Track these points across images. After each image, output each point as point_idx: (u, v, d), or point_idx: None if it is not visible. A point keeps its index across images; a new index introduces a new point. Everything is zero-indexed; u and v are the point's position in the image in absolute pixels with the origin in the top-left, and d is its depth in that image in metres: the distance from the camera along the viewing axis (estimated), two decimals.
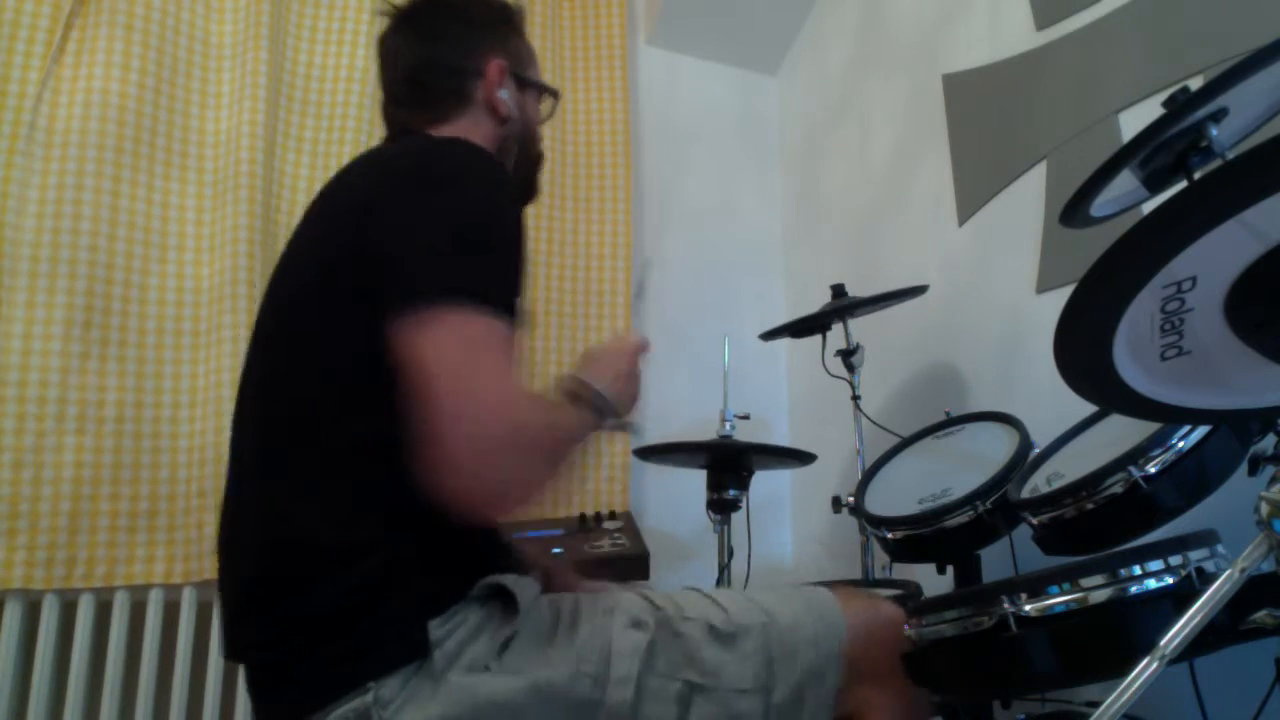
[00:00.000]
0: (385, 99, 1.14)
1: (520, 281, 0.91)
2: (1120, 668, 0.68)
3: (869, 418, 1.80)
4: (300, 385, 0.89)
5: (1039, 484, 1.07)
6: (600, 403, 0.93)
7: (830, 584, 1.05)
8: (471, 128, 1.08)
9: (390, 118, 1.14)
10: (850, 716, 0.94)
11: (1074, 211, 0.96)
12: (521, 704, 0.80)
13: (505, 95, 1.11)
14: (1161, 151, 0.85)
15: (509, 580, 0.86)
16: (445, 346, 0.79)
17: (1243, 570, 0.68)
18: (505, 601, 0.86)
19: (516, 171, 1.14)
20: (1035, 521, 1.02)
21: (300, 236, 1.00)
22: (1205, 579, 0.78)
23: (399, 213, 0.87)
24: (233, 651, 0.91)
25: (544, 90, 1.19)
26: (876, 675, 0.94)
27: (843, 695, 0.92)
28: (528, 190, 1.21)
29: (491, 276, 0.86)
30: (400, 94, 1.12)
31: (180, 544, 1.70)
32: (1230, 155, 0.84)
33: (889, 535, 1.30)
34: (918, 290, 1.69)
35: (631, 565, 1.77)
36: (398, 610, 0.82)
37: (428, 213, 0.87)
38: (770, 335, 1.86)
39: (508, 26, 1.16)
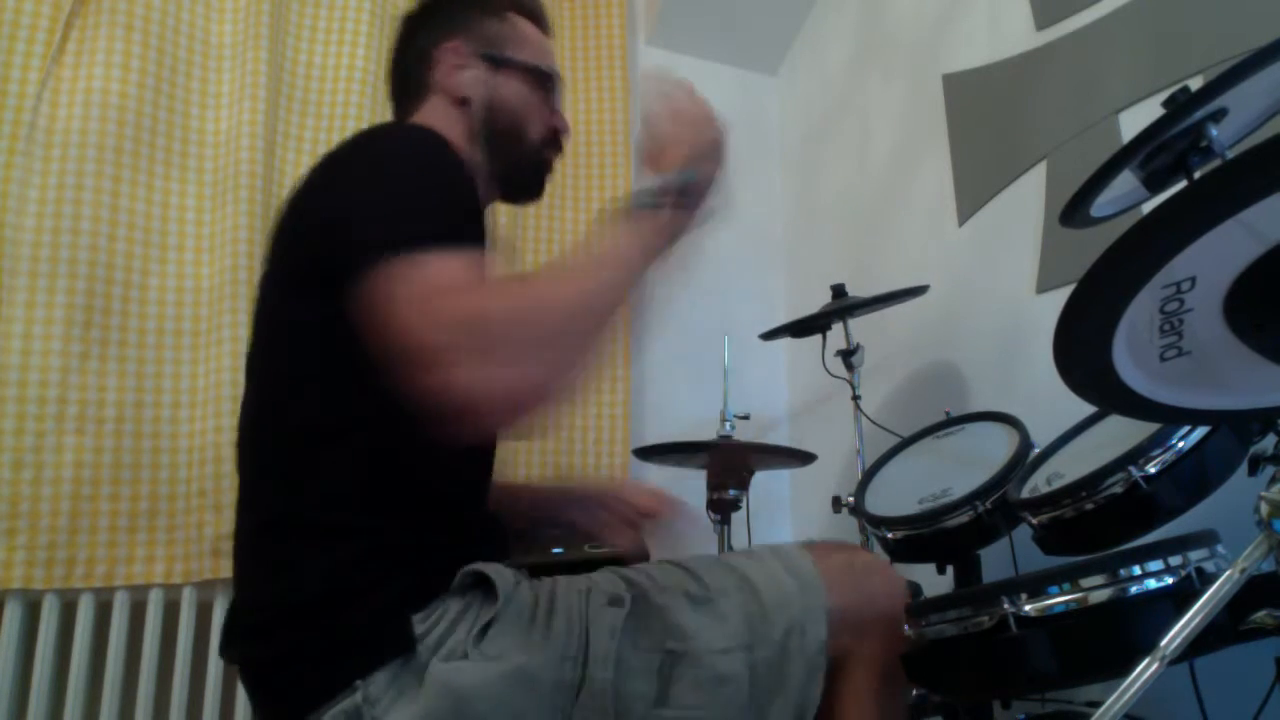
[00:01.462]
0: None
1: (470, 222, 0.88)
2: (1120, 668, 0.68)
3: (869, 418, 1.80)
4: (278, 379, 0.91)
5: (1039, 484, 1.07)
6: (670, 198, 0.85)
7: (807, 543, 1.05)
8: (432, 114, 1.07)
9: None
10: (834, 665, 0.94)
11: (1074, 212, 0.96)
12: (502, 691, 0.80)
13: (465, 76, 1.07)
14: (1162, 152, 0.85)
15: (488, 568, 0.86)
16: (406, 286, 0.74)
17: (1243, 570, 0.68)
18: (485, 589, 0.86)
19: (503, 160, 1.08)
20: (1035, 521, 1.02)
21: (269, 242, 1.01)
22: (1205, 579, 0.78)
23: (333, 194, 0.89)
24: (227, 650, 0.92)
25: (534, 70, 1.10)
26: (857, 624, 0.95)
27: (827, 646, 0.93)
28: (521, 183, 1.12)
29: (431, 218, 0.82)
30: (389, 92, 1.15)
31: (180, 544, 1.70)
32: (1230, 155, 0.84)
33: (889, 535, 1.30)
34: (918, 290, 1.69)
35: (631, 565, 1.77)
36: (380, 606, 0.82)
37: (357, 184, 0.87)
38: (770, 335, 1.86)
39: (482, 10, 1.11)
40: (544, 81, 1.11)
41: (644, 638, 0.88)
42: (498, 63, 1.08)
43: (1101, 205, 0.97)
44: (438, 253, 0.77)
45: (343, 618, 0.81)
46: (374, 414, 0.85)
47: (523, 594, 0.88)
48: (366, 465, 0.86)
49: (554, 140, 1.13)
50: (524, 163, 1.11)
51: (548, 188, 1.16)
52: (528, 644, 0.83)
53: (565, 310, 0.77)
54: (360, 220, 0.83)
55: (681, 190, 0.89)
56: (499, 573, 0.86)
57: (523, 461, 2.10)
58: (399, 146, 0.92)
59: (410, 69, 1.11)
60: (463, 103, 1.07)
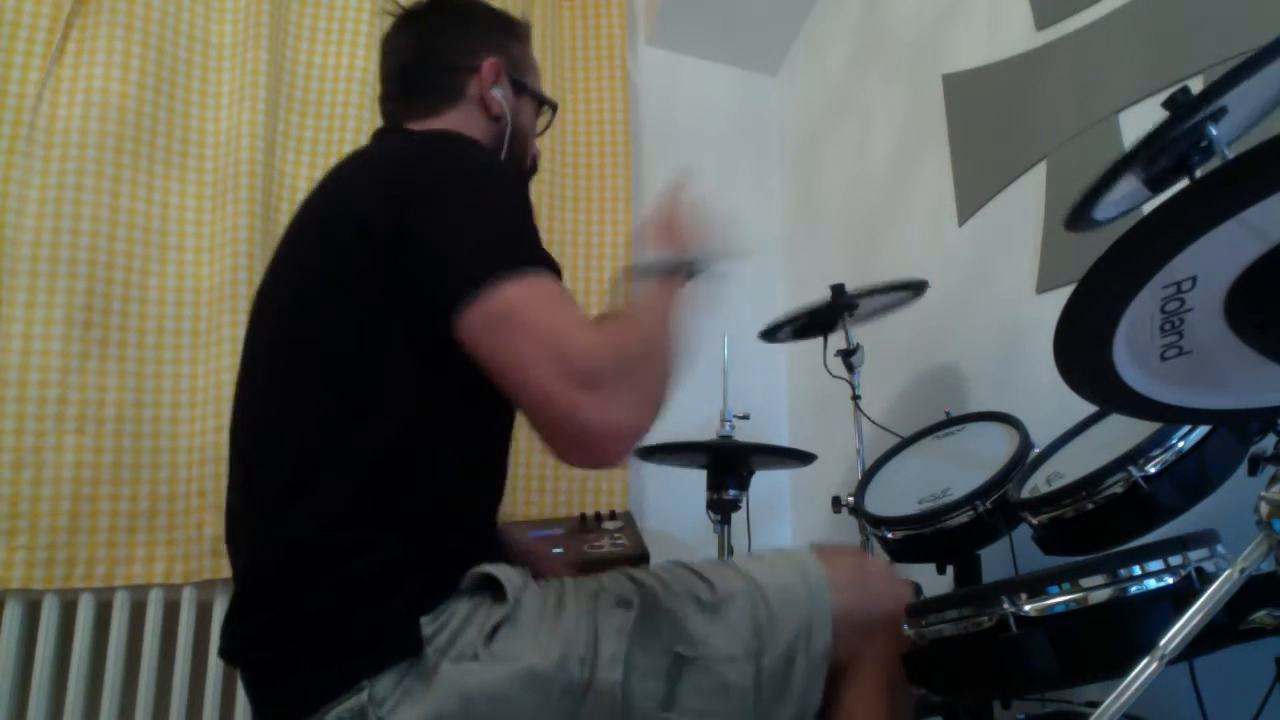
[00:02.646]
0: (381, 94, 1.15)
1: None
2: (1120, 668, 0.68)
3: (869, 418, 1.79)
4: (303, 391, 0.89)
5: (1039, 484, 1.07)
6: (668, 268, 0.97)
7: (815, 546, 1.06)
8: (462, 122, 1.09)
9: (383, 112, 1.15)
10: (839, 669, 0.95)
11: (1078, 218, 0.96)
12: (510, 692, 0.80)
13: (498, 94, 1.11)
14: (1164, 153, 0.85)
15: (496, 569, 0.86)
16: (523, 318, 0.81)
17: (1243, 570, 0.68)
18: (494, 590, 0.86)
19: None
20: (1035, 521, 1.02)
21: (293, 243, 0.99)
22: (1205, 579, 0.78)
23: (427, 219, 0.88)
24: (229, 651, 0.91)
25: (542, 100, 1.19)
26: (864, 627, 0.96)
27: (832, 650, 0.93)
28: None
29: (534, 244, 0.89)
30: (393, 87, 1.14)
31: (180, 544, 1.70)
32: (1229, 152, 0.84)
33: (889, 535, 1.30)
34: (919, 286, 1.68)
35: (631, 565, 1.77)
36: (390, 609, 0.82)
37: (456, 212, 0.88)
38: (770, 335, 1.86)
39: (509, 33, 1.17)
40: (542, 111, 1.20)
41: (652, 640, 0.88)
42: (519, 87, 1.15)
43: (1104, 208, 0.97)
44: (544, 278, 0.84)
45: (353, 621, 0.82)
46: (413, 428, 0.87)
47: (531, 595, 0.88)
48: (385, 486, 0.86)
49: (534, 167, 1.22)
50: None
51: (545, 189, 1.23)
52: (537, 645, 0.83)
53: (644, 350, 0.87)
54: (472, 246, 0.85)
55: (684, 267, 1.00)
56: (507, 574, 0.87)
57: (525, 461, 2.10)
58: (487, 164, 0.95)
59: (439, 73, 1.11)
60: (495, 119, 1.12)
